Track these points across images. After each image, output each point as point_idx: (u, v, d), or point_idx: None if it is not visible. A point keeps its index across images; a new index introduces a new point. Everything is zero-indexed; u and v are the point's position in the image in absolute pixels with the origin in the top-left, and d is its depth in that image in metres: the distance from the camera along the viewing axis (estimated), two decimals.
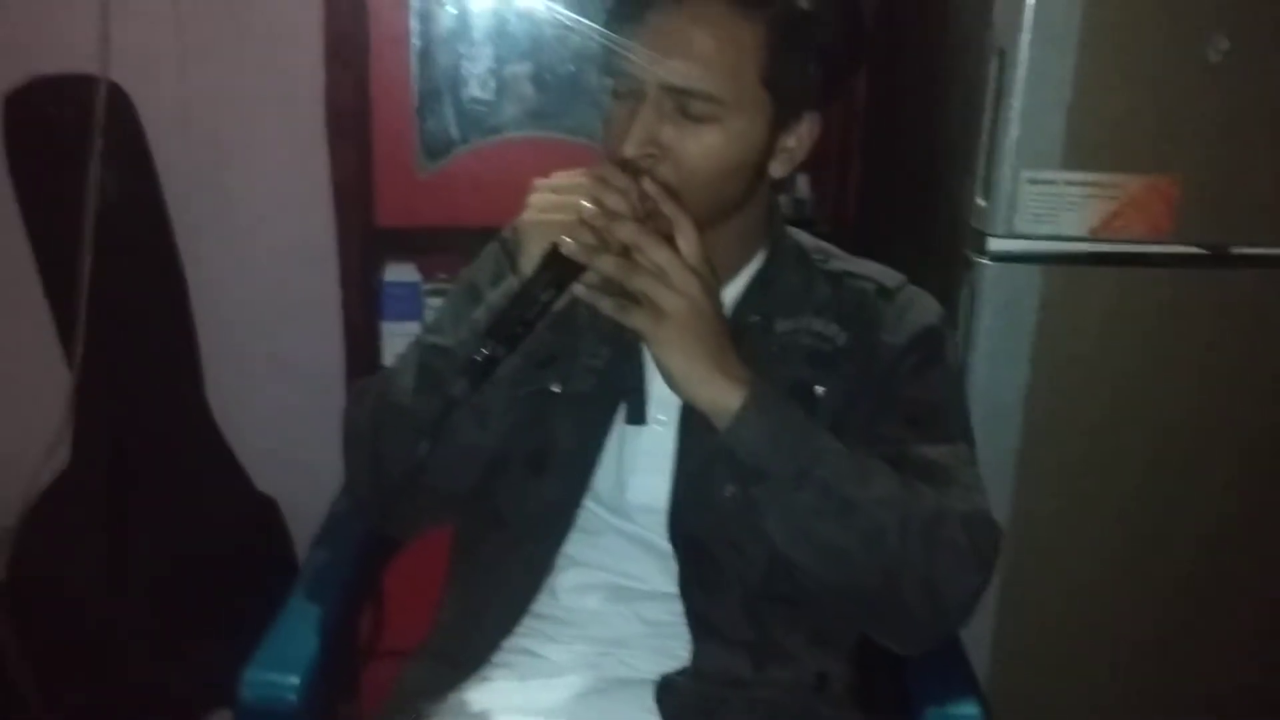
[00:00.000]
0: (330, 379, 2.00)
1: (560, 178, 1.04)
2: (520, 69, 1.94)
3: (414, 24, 1.85)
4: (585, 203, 1.00)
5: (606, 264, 0.99)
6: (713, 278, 1.03)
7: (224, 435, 2.08)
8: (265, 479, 2.12)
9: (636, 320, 0.99)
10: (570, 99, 1.95)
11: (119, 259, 1.87)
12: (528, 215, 1.03)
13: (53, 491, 1.97)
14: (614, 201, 1.00)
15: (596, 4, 1.70)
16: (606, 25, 1.08)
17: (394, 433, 1.10)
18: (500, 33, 1.90)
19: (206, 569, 1.95)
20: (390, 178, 1.89)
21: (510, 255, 1.19)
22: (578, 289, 1.00)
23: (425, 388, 1.09)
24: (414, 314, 1.89)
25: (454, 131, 1.93)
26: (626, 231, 0.99)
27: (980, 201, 1.47)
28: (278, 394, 2.08)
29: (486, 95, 1.93)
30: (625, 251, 1.00)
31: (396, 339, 1.90)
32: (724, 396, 1.01)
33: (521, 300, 0.99)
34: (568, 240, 0.99)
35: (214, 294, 2.04)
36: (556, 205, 1.02)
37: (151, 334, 1.98)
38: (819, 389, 1.14)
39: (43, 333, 1.94)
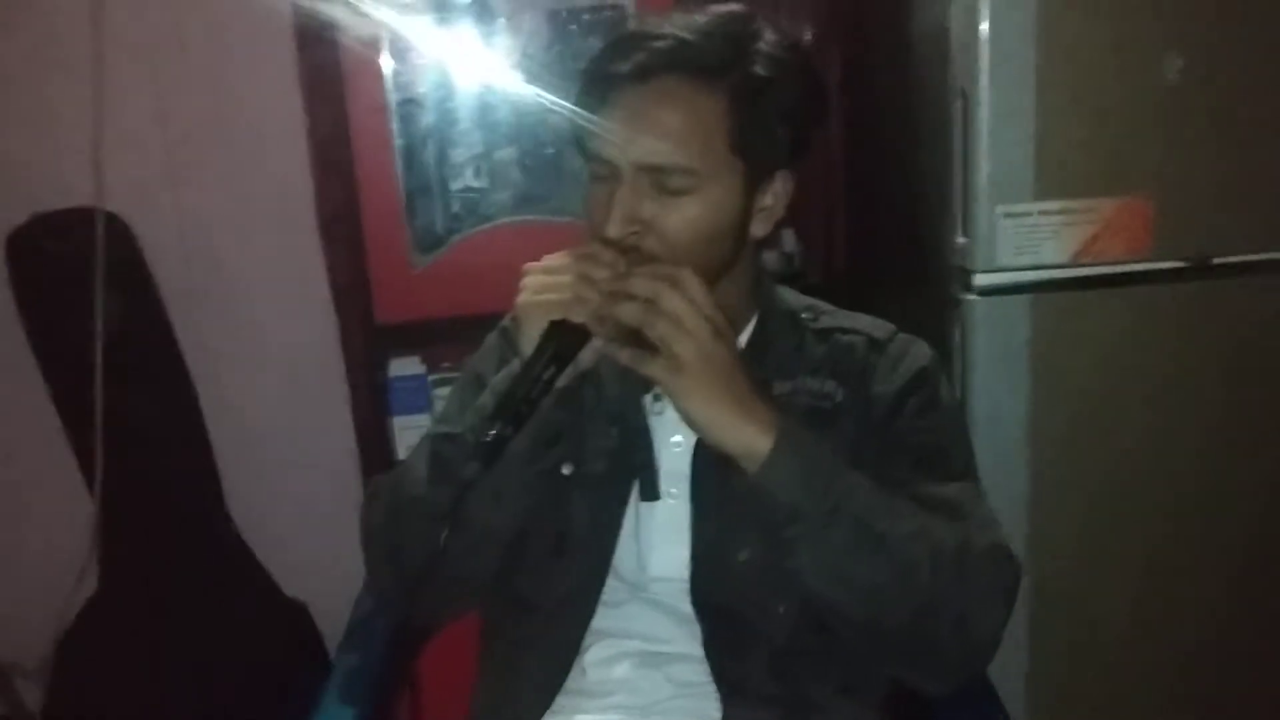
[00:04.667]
0: (347, 477, 2.03)
1: (550, 259, 1.07)
2: (507, 154, 1.98)
3: (395, 125, 1.90)
4: (578, 277, 1.03)
5: (627, 311, 1.01)
6: (726, 324, 1.05)
7: (249, 545, 2.10)
8: (293, 584, 2.13)
9: (656, 369, 1.01)
10: (556, 181, 1.99)
11: (130, 383, 1.91)
12: (523, 298, 1.06)
13: (84, 619, 1.99)
14: (604, 275, 1.03)
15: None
16: (576, 109, 1.12)
17: (411, 524, 1.12)
18: (484, 121, 1.95)
19: (243, 680, 1.96)
20: (386, 275, 1.93)
21: (511, 342, 1.20)
22: (594, 346, 1.03)
23: (438, 477, 1.11)
24: (422, 406, 1.92)
25: (444, 224, 1.98)
26: (641, 283, 1.01)
27: (961, 239, 1.51)
28: (297, 498, 2.10)
29: (480, 183, 1.97)
30: (625, 330, 1.03)
31: (408, 432, 1.92)
32: (753, 440, 1.02)
33: (524, 379, 1.02)
34: (568, 315, 1.02)
35: (226, 405, 2.07)
36: (549, 285, 1.05)
37: (168, 453, 2.01)
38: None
39: (63, 463, 1.97)
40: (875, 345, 1.20)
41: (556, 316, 1.03)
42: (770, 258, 1.95)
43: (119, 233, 1.93)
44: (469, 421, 1.11)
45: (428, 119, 1.93)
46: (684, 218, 1.07)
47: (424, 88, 1.92)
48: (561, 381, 1.04)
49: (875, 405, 1.16)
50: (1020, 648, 1.55)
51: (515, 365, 1.08)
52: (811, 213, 2.08)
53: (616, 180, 1.08)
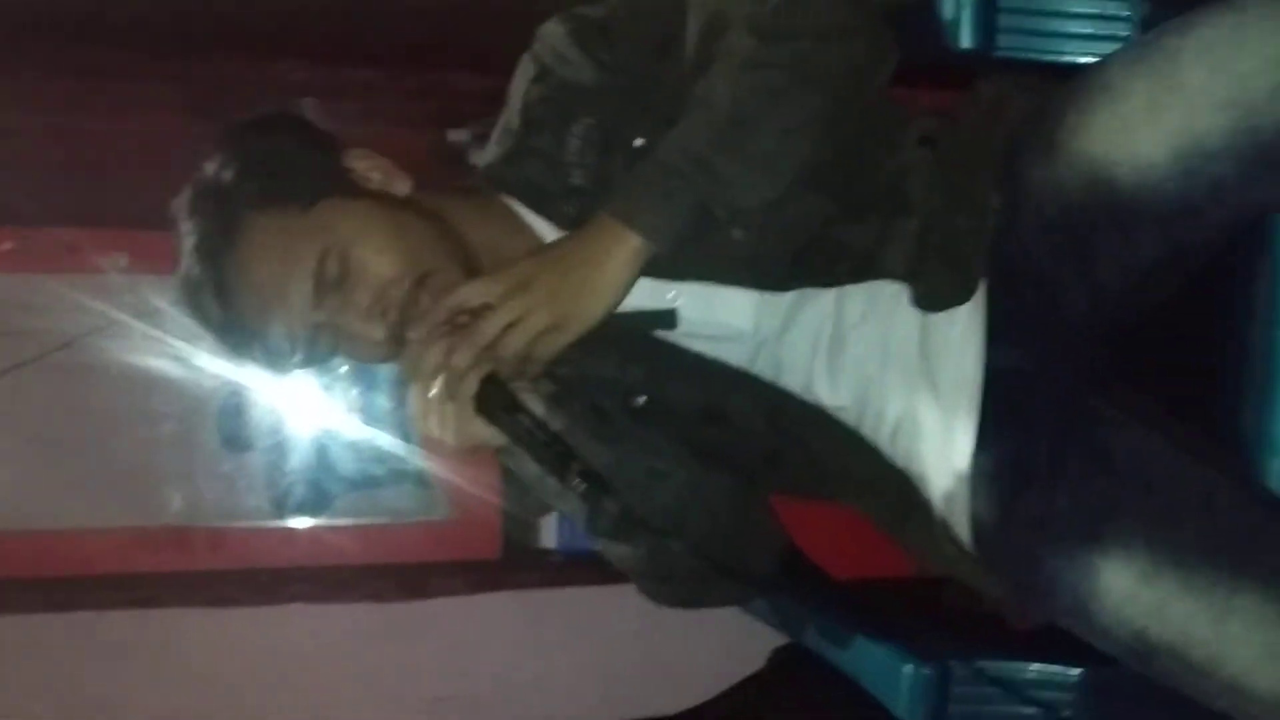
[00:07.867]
0: None
1: (412, 402, 1.08)
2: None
3: None
4: (439, 368, 1.03)
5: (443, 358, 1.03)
6: (507, 261, 1.07)
7: None
8: None
9: (549, 344, 1.03)
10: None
11: None
12: (445, 435, 1.06)
13: None
14: (436, 353, 1.03)
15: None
16: (251, 353, 1.14)
17: (659, 565, 1.16)
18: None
19: None
20: None
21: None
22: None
23: (612, 534, 1.14)
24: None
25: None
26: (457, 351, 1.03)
27: None
28: None
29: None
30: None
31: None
32: (628, 248, 1.01)
33: (531, 446, 1.03)
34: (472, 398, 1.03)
35: None
36: (439, 403, 1.04)
37: None
38: (638, 142, 1.10)
39: None
40: (529, 54, 1.17)
41: (472, 408, 1.03)
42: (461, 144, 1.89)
43: None
44: (554, 494, 1.13)
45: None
46: (370, 270, 1.08)
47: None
48: (543, 411, 1.05)
49: (592, 88, 1.13)
50: None
51: (514, 448, 1.08)
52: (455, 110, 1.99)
53: (336, 330, 1.09)
